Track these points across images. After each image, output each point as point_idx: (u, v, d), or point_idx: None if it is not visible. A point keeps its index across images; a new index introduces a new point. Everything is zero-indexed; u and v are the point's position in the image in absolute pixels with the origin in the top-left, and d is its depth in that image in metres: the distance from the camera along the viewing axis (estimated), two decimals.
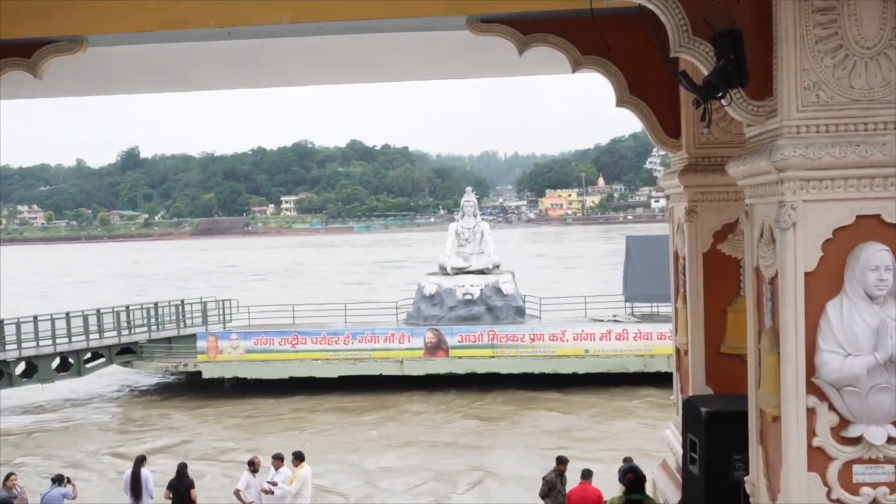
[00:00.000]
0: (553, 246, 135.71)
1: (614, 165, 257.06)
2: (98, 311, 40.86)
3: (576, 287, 59.03)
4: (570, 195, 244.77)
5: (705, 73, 7.85)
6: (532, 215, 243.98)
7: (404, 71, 14.88)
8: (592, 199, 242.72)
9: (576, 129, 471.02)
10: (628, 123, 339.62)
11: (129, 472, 19.08)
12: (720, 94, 7.74)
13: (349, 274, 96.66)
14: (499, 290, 40.42)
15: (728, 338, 11.70)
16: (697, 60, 7.93)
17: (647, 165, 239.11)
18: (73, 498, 18.60)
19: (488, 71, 15.13)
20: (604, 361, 35.75)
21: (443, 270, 41.62)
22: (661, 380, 33.68)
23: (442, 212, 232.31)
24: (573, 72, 11.81)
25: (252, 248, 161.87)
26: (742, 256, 10.98)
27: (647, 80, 11.83)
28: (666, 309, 38.22)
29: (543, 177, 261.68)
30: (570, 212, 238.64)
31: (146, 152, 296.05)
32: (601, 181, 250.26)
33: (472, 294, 40.30)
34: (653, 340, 35.62)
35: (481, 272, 41.23)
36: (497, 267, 41.90)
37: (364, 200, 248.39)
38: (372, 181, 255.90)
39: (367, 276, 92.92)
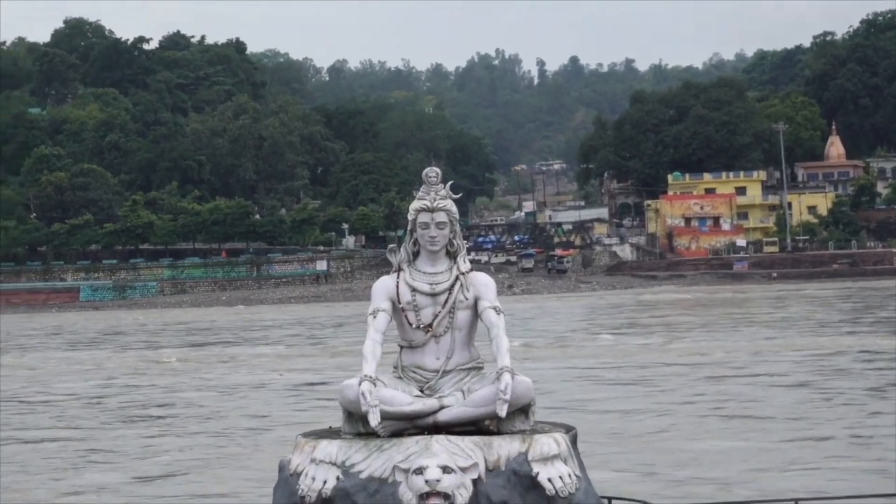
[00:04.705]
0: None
1: (869, 102, 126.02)
2: None
3: None
4: (742, 185, 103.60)
5: None
6: (627, 250, 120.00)
7: None
8: (812, 201, 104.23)
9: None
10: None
11: None
12: None
13: None
14: None
15: None
16: None
17: None
18: None
19: None
20: None
21: (351, 430, 7.64)
22: None
23: (347, 239, 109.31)
24: None
25: None
26: None
27: None
28: None
29: (656, 133, 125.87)
30: (742, 242, 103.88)
31: None
32: (833, 147, 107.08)
33: None
34: None
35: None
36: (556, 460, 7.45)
37: (107, 208, 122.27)
38: (141, 149, 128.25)
39: None
